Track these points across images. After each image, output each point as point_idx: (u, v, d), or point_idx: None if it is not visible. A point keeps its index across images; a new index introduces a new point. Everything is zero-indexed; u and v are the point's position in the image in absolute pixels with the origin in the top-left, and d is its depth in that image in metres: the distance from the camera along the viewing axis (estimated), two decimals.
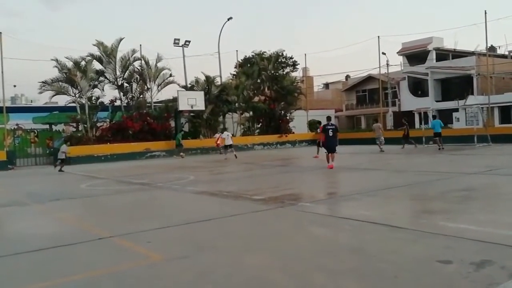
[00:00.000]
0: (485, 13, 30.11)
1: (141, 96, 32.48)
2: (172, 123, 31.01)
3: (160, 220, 7.42)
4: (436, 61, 43.39)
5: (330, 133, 15.45)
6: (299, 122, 38.33)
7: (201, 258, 5.07)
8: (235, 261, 4.94)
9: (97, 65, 30.72)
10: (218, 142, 27.47)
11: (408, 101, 44.40)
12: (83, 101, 29.37)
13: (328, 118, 17.15)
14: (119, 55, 30.95)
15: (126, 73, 31.52)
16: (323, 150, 16.39)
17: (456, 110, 34.19)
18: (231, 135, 25.55)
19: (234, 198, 9.55)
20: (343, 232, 6.10)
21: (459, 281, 3.95)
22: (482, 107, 28.88)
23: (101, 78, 30.89)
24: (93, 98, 30.52)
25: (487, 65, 33.97)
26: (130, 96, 32.11)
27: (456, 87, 41.10)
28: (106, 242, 6.14)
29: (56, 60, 29.08)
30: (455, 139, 25.16)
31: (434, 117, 25.02)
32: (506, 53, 45.07)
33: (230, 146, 23.86)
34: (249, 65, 38.17)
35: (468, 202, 7.92)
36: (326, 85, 63.10)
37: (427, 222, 6.40)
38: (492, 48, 41.62)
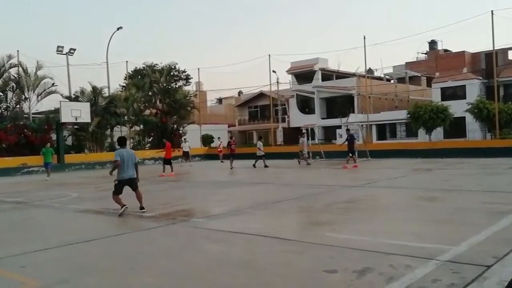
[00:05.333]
0: (364, 38, 33.07)
1: (18, 106, 29.88)
2: (54, 136, 28.79)
3: (37, 242, 6.74)
4: (322, 80, 46.35)
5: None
6: (192, 136, 38.03)
7: (82, 282, 4.67)
8: (120, 283, 4.63)
9: None
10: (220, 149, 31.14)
11: (297, 118, 46.66)
12: None
13: None
14: None
15: (0, 81, 28.69)
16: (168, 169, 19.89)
17: (340, 127, 36.75)
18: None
19: (122, 216, 9.04)
20: (235, 246, 6.08)
21: None
22: (362, 125, 31.38)
23: None
24: None
25: (366, 86, 37.17)
26: (5, 106, 29.35)
27: (340, 105, 44.25)
28: None
29: None
30: (339, 154, 26.90)
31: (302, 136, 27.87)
32: (382, 75, 49.82)
33: (187, 154, 28.28)
34: (140, 77, 37.12)
35: (350, 213, 8.43)
36: (220, 100, 63.82)
37: (314, 233, 6.66)
38: (370, 71, 45.70)
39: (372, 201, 10.04)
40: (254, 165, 22.51)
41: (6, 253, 6.08)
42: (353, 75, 44.56)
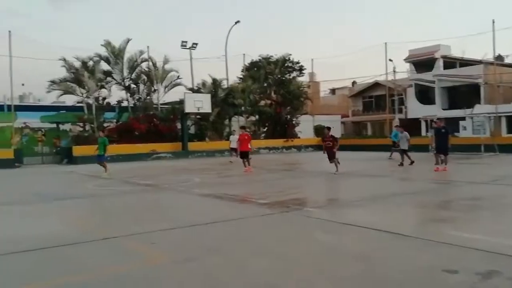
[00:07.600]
0: (493, 22, 30.10)
1: (148, 97, 32.62)
2: (179, 125, 31.10)
3: (166, 222, 7.41)
4: (444, 69, 43.19)
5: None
6: (305, 127, 38.28)
7: (209, 261, 5.05)
8: (241, 265, 4.93)
9: (104, 66, 31.02)
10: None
11: (415, 109, 44.21)
12: (90, 101, 29.60)
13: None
14: (126, 56, 31.18)
15: (133, 74, 31.70)
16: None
17: (463, 118, 34.02)
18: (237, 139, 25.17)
19: (240, 202, 9.55)
20: (348, 238, 6.08)
21: None
22: (489, 116, 28.71)
23: (109, 79, 31.11)
24: (100, 98, 30.72)
25: (495, 74, 33.84)
26: (137, 97, 32.26)
27: (463, 95, 40.89)
28: (110, 242, 6.14)
29: (64, 60, 29.33)
30: (462, 147, 24.96)
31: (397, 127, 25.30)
32: None
33: (235, 149, 23.38)
34: (255, 68, 38.21)
35: (475, 211, 7.88)
36: (333, 91, 63.02)
37: (434, 230, 6.36)
38: (499, 57, 41.39)
39: (500, 199, 9.21)
40: (403, 163, 17.68)
41: (139, 229, 6.78)
42: (479, 62, 40.78)
